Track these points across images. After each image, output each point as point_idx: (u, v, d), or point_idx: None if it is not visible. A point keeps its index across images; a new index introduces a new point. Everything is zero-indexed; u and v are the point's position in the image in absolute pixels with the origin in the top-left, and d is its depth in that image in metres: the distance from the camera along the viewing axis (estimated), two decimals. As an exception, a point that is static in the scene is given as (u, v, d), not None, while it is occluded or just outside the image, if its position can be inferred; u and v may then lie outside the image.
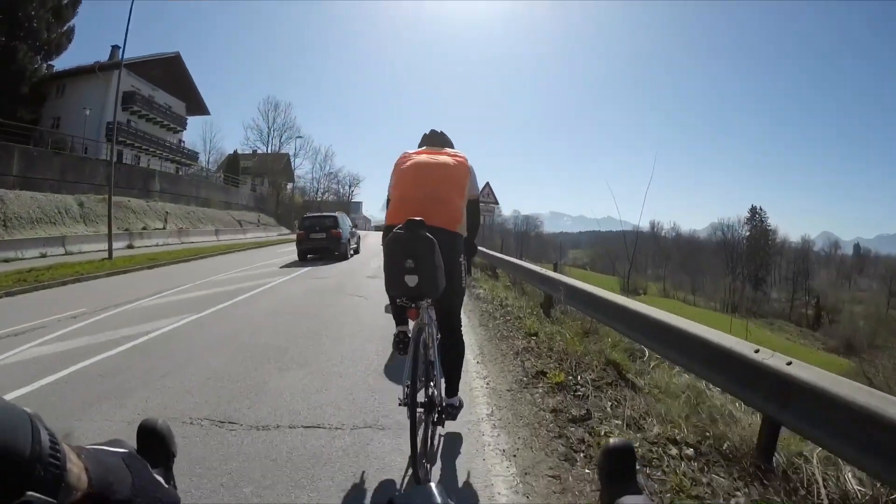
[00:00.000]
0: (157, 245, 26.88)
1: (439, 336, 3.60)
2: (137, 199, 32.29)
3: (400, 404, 3.08)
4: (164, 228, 31.15)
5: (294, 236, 23.49)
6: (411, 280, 2.95)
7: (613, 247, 75.10)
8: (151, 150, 44.63)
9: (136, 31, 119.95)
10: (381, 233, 4.04)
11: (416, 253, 2.95)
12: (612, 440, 0.96)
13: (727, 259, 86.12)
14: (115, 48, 41.41)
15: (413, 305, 3.14)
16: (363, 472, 3.24)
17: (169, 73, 47.29)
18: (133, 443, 0.72)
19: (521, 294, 12.16)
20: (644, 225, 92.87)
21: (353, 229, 25.17)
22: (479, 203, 3.98)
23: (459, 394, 3.83)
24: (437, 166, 3.71)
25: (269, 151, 67.67)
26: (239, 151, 69.25)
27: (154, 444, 0.83)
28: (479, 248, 7.63)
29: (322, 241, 20.46)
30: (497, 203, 18.13)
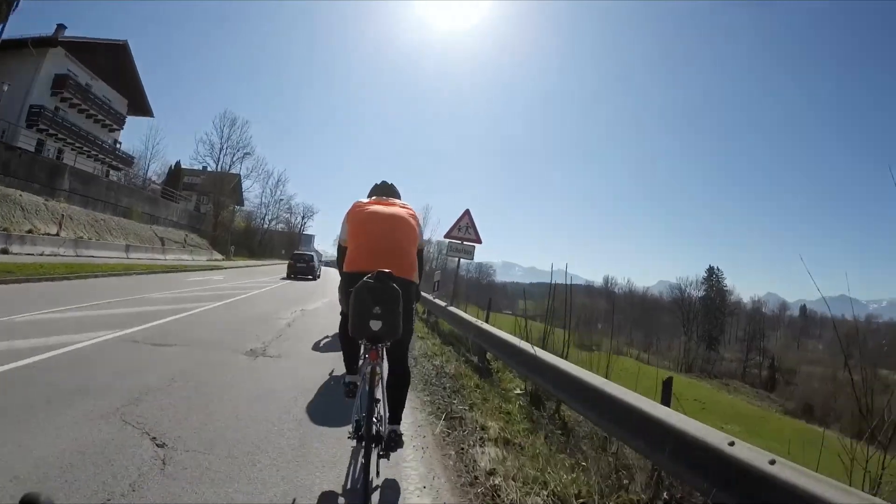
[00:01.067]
0: (41, 254, 21.35)
1: (387, 373, 3.69)
2: (33, 196, 26.61)
3: (350, 437, 3.47)
4: (58, 235, 25.56)
5: (227, 263, 35.73)
6: (376, 325, 3.15)
7: (568, 300, 72.93)
8: (79, 145, 39.42)
9: (88, 19, 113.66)
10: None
11: (384, 301, 3.16)
12: None
13: (683, 318, 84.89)
14: (60, 27, 36.76)
15: (374, 347, 3.29)
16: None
17: (113, 63, 42.39)
18: None
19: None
20: (597, 280, 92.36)
21: (319, 262, 39.33)
22: (450, 242, 7.91)
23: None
24: (392, 218, 3.93)
25: (219, 170, 62.26)
26: (188, 166, 64.08)
27: None
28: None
29: (304, 268, 32.95)
30: (479, 241, 14.30)
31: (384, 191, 4.42)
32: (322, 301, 17.32)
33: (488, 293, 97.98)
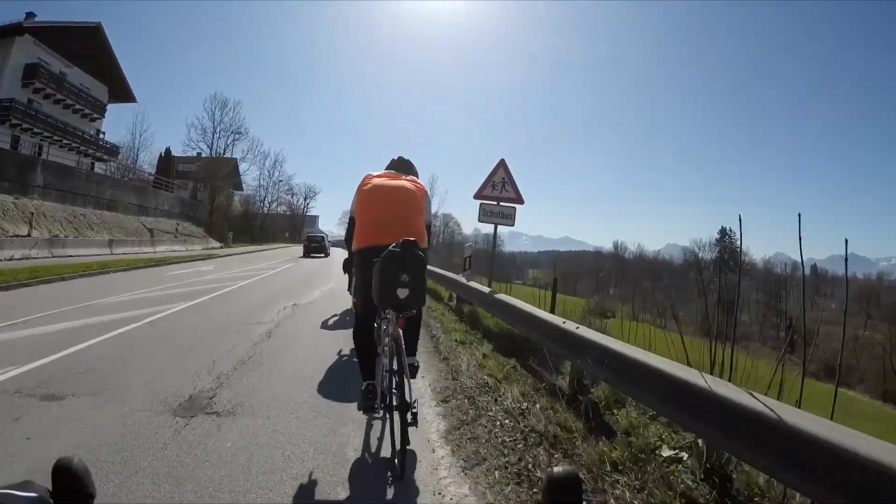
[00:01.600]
0: (10, 258, 19.00)
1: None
2: (0, 195, 24.41)
3: (376, 408, 3.66)
4: (29, 235, 22.99)
5: (224, 251, 38.46)
6: (403, 293, 3.24)
7: (574, 267, 72.50)
8: (58, 138, 36.83)
9: (58, 7, 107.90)
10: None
11: (411, 269, 3.25)
12: (555, 469, 0.83)
13: (699, 282, 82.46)
14: (29, 15, 34.21)
15: (400, 315, 3.34)
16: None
17: (87, 48, 39.60)
18: (47, 484, 0.73)
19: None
20: (607, 245, 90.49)
21: (328, 242, 44.85)
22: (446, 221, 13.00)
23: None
24: (399, 190, 4.00)
25: (214, 154, 59.47)
26: (182, 153, 61.28)
27: (70, 485, 0.74)
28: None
29: (317, 247, 40.11)
30: (520, 201, 10.93)
31: (399, 166, 4.51)
32: (321, 290, 14.92)
33: (499, 263, 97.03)
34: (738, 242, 19.30)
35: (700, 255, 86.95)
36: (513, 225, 10.76)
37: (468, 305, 11.71)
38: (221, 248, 44.20)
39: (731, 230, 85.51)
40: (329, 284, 16.55)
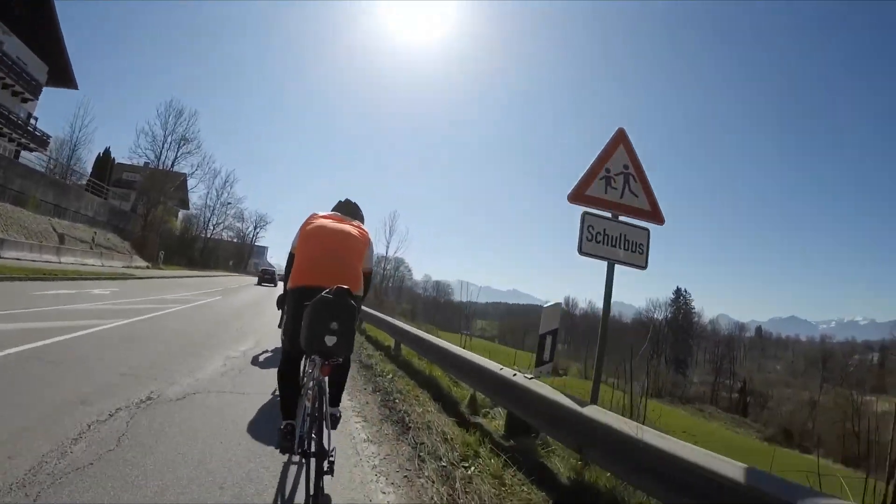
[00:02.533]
0: None
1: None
2: None
3: (293, 454, 3.52)
4: None
5: (148, 273, 33.58)
6: (330, 340, 3.14)
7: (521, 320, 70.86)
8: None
9: None
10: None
11: (340, 317, 3.16)
12: None
13: (653, 341, 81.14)
14: None
15: (326, 363, 3.25)
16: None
17: (31, 16, 34.79)
18: None
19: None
20: (554, 300, 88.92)
21: (278, 276, 42.07)
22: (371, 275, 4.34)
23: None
24: (342, 234, 3.96)
25: (162, 166, 53.97)
26: (128, 160, 55.41)
27: None
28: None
29: (269, 278, 44.58)
30: (659, 220, 5.45)
31: (345, 209, 4.50)
32: (228, 355, 8.20)
33: (447, 313, 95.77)
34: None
35: (655, 314, 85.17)
36: (644, 267, 5.25)
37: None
38: (148, 268, 39.24)
39: (685, 291, 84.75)
40: (245, 345, 9.60)
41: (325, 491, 2.96)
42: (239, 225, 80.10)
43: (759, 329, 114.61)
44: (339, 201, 4.61)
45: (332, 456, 3.07)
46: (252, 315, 15.87)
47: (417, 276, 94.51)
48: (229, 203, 72.50)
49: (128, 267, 34.65)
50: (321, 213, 4.19)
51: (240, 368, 7.25)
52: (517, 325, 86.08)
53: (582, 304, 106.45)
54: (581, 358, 77.38)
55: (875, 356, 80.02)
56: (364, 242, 4.09)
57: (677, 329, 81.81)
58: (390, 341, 12.62)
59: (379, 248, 76.49)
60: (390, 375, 8.31)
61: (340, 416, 4.38)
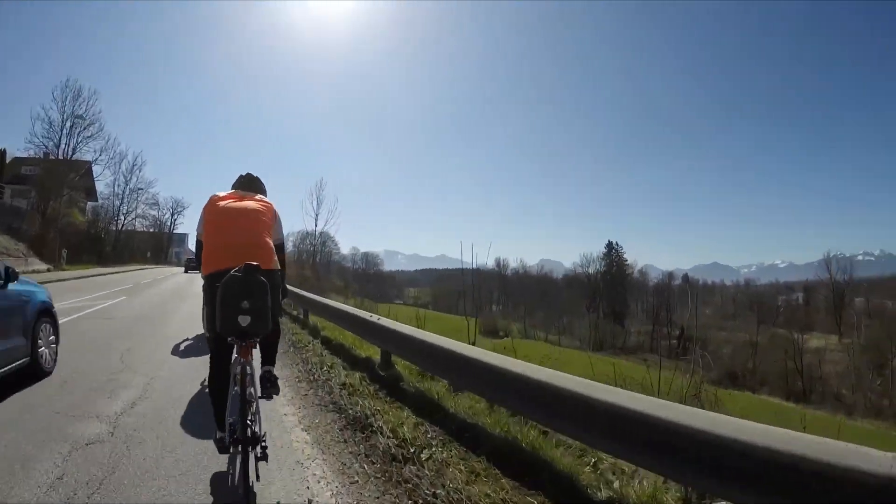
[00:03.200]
0: None
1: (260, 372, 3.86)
2: None
3: (221, 444, 3.30)
4: None
5: (52, 274, 29.96)
6: (244, 320, 3.05)
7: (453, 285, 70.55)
8: None
9: None
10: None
11: (252, 295, 3.07)
12: None
13: (590, 295, 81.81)
14: None
15: (244, 344, 3.19)
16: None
17: None
18: None
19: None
20: (488, 263, 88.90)
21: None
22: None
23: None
24: (245, 211, 3.80)
25: (62, 155, 47.53)
26: (24, 152, 49.02)
27: None
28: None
29: (195, 267, 25.43)
30: None
31: (245, 185, 4.35)
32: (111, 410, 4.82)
33: (378, 284, 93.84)
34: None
35: (585, 269, 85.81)
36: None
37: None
38: (49, 270, 34.94)
39: (617, 244, 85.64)
40: (119, 400, 5.23)
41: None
42: (154, 213, 73.96)
43: (685, 276, 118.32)
44: (240, 176, 4.44)
45: (264, 441, 3.08)
46: (154, 326, 11.19)
47: (345, 249, 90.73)
48: (140, 189, 65.55)
49: (23, 272, 30.14)
50: (221, 193, 4.00)
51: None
52: (450, 290, 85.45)
53: (513, 264, 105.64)
54: (520, 318, 77.34)
55: (800, 296, 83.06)
56: (269, 215, 3.95)
57: (611, 282, 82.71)
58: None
59: (307, 223, 73.21)
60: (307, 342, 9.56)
61: (277, 377, 4.21)
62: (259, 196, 4.13)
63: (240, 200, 3.91)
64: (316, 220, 65.08)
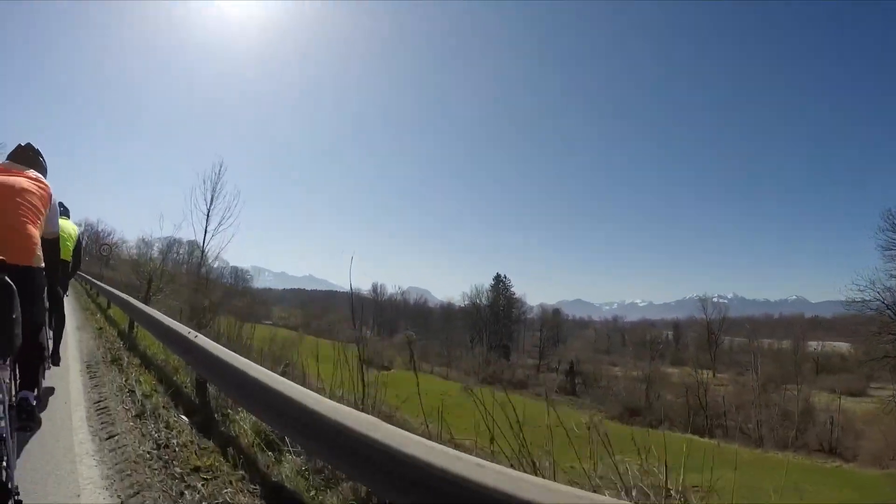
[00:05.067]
0: None
1: (15, 400, 3.03)
2: None
3: None
4: None
5: None
6: None
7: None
8: None
9: None
10: None
11: None
12: None
13: (476, 328, 77.70)
14: None
15: None
16: None
17: None
18: None
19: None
20: (364, 287, 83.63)
21: None
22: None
23: None
24: (12, 189, 3.12)
25: None
26: None
27: None
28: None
29: None
30: None
31: (22, 156, 3.54)
32: None
33: (248, 301, 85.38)
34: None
35: (478, 301, 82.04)
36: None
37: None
38: None
39: (505, 277, 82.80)
40: None
41: None
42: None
43: (556, 311, 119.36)
44: (19, 145, 3.64)
45: (17, 495, 2.32)
46: None
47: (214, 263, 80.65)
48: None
49: None
50: None
51: None
52: (319, 311, 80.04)
53: (391, 290, 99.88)
54: (402, 347, 71.95)
55: (669, 333, 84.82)
56: (42, 198, 3.26)
57: (498, 315, 79.60)
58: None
59: (196, 221, 52.84)
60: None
61: (36, 403, 3.40)
62: (35, 174, 3.42)
63: (8, 175, 3.21)
64: (207, 217, 36.15)
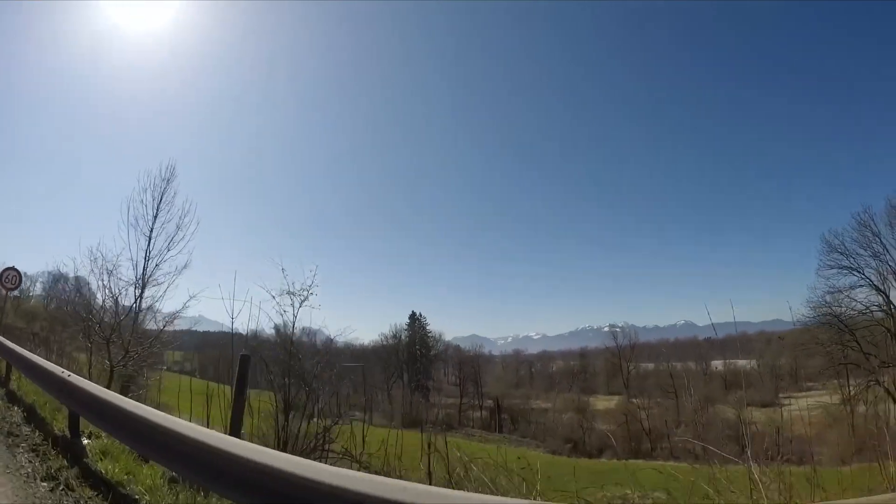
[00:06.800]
0: None
1: None
2: None
3: None
4: None
5: None
6: None
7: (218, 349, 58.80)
8: None
9: None
10: None
11: None
12: None
13: (393, 369, 74.17)
14: None
15: None
16: None
17: None
18: None
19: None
20: (267, 329, 76.02)
21: None
22: None
23: None
24: None
25: None
26: None
27: None
28: None
29: None
30: None
31: None
32: None
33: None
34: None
35: (397, 340, 78.70)
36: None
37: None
38: None
39: (421, 315, 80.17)
40: None
41: None
42: None
43: (457, 347, 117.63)
44: None
45: None
46: None
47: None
48: None
49: None
50: None
51: None
52: (215, 356, 72.02)
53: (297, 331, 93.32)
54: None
55: (575, 364, 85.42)
56: None
57: (415, 355, 76.80)
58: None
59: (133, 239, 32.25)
60: None
61: None
62: None
63: None
64: (151, 234, 20.40)
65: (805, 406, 42.91)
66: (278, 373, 11.08)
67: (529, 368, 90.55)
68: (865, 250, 33.77)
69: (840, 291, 34.05)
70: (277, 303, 9.98)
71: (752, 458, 4.84)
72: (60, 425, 6.35)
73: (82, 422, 5.75)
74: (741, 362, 60.92)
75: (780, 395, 49.14)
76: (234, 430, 4.78)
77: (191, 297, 13.63)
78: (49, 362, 7.44)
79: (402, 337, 78.44)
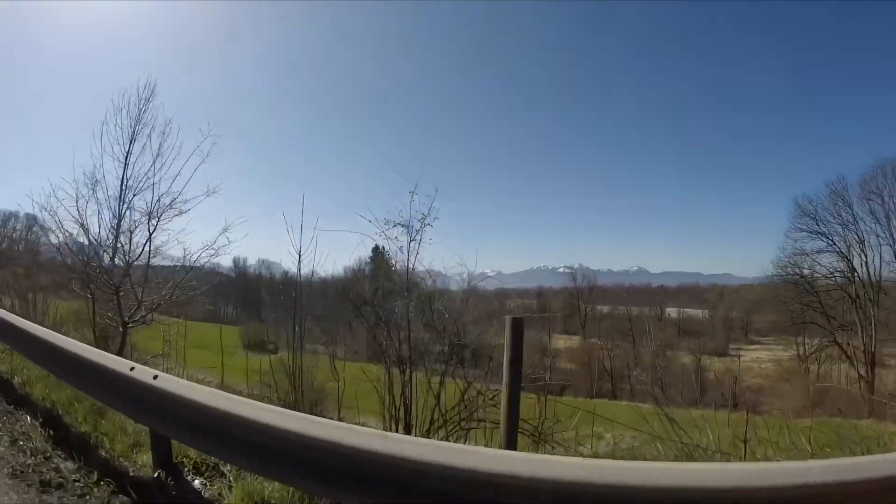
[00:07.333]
0: None
1: None
2: None
3: None
4: None
5: None
6: None
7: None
8: None
9: None
10: None
11: None
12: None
13: (356, 305, 73.56)
14: None
15: None
16: None
17: None
18: None
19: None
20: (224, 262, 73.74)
21: None
22: None
23: None
24: None
25: None
26: None
27: None
28: None
29: None
30: None
31: None
32: None
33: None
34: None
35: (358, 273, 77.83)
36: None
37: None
38: None
39: (384, 249, 79.06)
40: None
41: None
42: None
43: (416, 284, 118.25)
44: None
45: None
46: None
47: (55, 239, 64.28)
48: None
49: None
50: None
51: None
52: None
53: (251, 261, 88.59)
54: (279, 326, 66.09)
55: (534, 303, 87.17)
56: None
57: (381, 289, 76.45)
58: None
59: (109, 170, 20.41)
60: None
61: None
62: None
63: None
64: (127, 156, 12.97)
65: (756, 358, 45.73)
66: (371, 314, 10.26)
67: (486, 306, 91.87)
68: (835, 218, 34.87)
69: (807, 254, 35.41)
70: (383, 234, 8.08)
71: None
72: (123, 449, 3.89)
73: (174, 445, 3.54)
74: (694, 311, 63.64)
75: (731, 345, 51.64)
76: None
77: (225, 229, 10.77)
78: (105, 353, 4.26)
79: (366, 270, 77.58)
